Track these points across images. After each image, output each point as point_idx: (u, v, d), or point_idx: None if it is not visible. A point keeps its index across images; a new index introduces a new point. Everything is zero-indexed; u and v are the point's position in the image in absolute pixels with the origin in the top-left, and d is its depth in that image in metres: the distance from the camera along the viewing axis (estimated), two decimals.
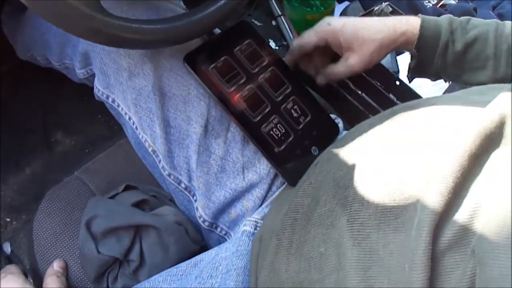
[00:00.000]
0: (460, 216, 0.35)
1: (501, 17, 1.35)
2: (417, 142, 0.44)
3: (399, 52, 1.41)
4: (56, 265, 0.65)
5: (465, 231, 0.35)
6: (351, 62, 0.65)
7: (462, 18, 0.64)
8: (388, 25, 0.63)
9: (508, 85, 0.46)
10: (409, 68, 0.68)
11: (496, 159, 0.37)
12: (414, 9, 1.21)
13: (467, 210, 0.35)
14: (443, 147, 0.40)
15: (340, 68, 0.67)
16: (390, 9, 0.94)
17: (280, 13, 1.48)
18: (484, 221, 0.34)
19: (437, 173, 0.37)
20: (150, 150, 0.65)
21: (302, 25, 1.33)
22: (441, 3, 1.55)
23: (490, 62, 0.62)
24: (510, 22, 0.63)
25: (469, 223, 0.35)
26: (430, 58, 0.64)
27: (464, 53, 0.63)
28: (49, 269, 0.64)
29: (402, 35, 0.63)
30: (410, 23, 0.63)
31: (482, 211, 0.34)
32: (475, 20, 0.64)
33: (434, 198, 0.36)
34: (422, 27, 0.62)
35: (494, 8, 1.53)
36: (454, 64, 0.64)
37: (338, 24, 0.64)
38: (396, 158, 0.44)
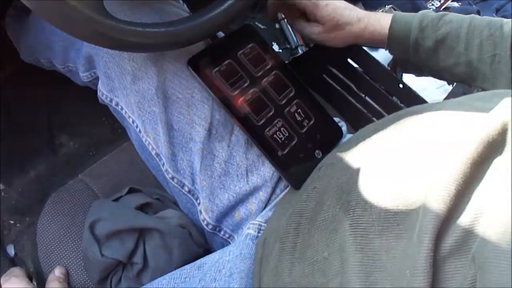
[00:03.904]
0: (462, 222, 0.35)
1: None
2: (421, 148, 0.44)
3: None
4: (58, 272, 0.65)
5: (466, 238, 0.35)
6: (315, 31, 0.72)
7: (436, 14, 0.67)
8: (362, 22, 0.69)
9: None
10: (393, 63, 0.72)
11: (498, 166, 0.37)
12: (417, 11, 1.21)
13: (468, 217, 0.35)
14: (446, 154, 0.40)
15: (304, 29, 0.74)
16: (393, 12, 0.94)
17: (283, 16, 1.48)
18: (485, 228, 0.34)
19: (440, 179, 0.37)
20: (153, 153, 0.65)
21: None
22: (444, 6, 1.55)
23: (462, 58, 0.64)
24: (486, 17, 0.65)
25: (470, 230, 0.35)
26: (405, 55, 0.68)
27: (435, 49, 0.65)
28: (51, 275, 0.64)
29: (369, 34, 0.69)
30: (380, 23, 0.68)
31: (483, 218, 0.34)
32: (450, 16, 0.66)
33: (436, 205, 0.36)
34: (391, 27, 0.67)
35: (497, 10, 1.53)
36: (429, 61, 0.67)
37: (323, 2, 0.69)
38: (400, 164, 0.44)
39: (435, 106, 0.49)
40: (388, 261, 0.38)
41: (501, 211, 0.33)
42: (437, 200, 0.36)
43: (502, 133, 0.37)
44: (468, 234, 0.35)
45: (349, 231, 0.42)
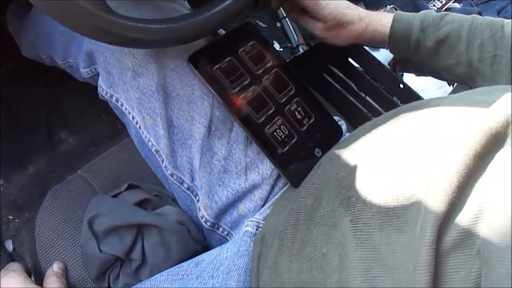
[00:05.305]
0: (465, 216, 0.35)
1: None
2: (421, 141, 0.44)
3: None
4: (56, 267, 0.65)
5: (470, 232, 0.34)
6: (317, 27, 0.71)
7: (437, 14, 0.67)
8: (363, 21, 0.68)
9: None
10: (393, 62, 0.71)
11: (500, 159, 0.37)
12: (418, 12, 1.21)
13: (471, 210, 0.35)
14: (447, 147, 0.40)
15: (306, 25, 0.74)
16: (395, 12, 0.94)
17: (285, 15, 1.48)
18: (489, 222, 0.33)
19: (442, 172, 0.37)
20: (153, 149, 0.65)
21: None
22: (446, 7, 1.55)
23: (462, 58, 0.64)
24: (487, 17, 0.65)
25: (474, 224, 0.34)
26: (406, 55, 0.68)
27: (436, 49, 0.65)
28: (49, 270, 0.64)
29: (370, 33, 0.68)
30: (381, 23, 0.68)
31: (487, 211, 0.34)
32: (451, 16, 0.66)
33: (438, 197, 0.36)
34: (392, 26, 0.67)
35: (498, 12, 1.53)
36: (429, 61, 0.67)
37: (324, 1, 0.69)
38: (400, 158, 0.44)
39: (435, 101, 0.48)
40: (388, 255, 0.38)
41: (504, 205, 0.33)
42: (439, 192, 0.36)
43: (506, 126, 0.37)
44: (472, 228, 0.34)
45: (350, 227, 0.42)
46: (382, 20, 0.68)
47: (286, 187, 0.63)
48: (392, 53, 0.70)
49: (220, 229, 0.65)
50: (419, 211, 0.37)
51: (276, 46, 1.43)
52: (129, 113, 0.66)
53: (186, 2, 0.82)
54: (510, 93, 0.40)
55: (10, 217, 1.07)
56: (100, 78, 0.69)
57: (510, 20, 0.63)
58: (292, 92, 0.68)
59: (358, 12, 0.68)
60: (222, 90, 0.63)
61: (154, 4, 0.66)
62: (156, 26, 0.54)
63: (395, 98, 0.79)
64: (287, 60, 0.74)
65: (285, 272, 0.48)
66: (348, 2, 0.69)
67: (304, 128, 0.67)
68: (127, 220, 0.62)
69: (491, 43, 0.62)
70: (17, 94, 1.20)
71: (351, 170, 0.47)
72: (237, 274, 0.54)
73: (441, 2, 1.58)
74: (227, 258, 0.56)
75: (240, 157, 0.64)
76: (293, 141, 0.65)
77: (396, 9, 1.24)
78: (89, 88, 0.77)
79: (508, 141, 0.37)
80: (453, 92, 1.27)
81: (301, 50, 1.43)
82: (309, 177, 0.57)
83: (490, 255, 0.32)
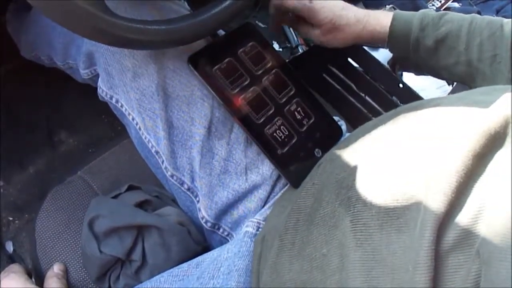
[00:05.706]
0: (464, 216, 0.35)
1: None
2: (421, 142, 0.44)
3: None
4: (56, 268, 0.65)
5: (470, 232, 0.34)
6: (315, 33, 0.71)
7: (437, 13, 0.66)
8: (360, 21, 0.68)
9: None
10: (392, 62, 0.72)
11: (499, 160, 0.37)
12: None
13: (471, 211, 0.35)
14: (447, 147, 0.40)
15: (303, 31, 0.74)
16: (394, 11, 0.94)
17: None
18: (488, 222, 0.33)
19: (441, 172, 0.37)
20: (153, 150, 0.65)
21: None
22: (445, 6, 1.55)
23: (462, 57, 0.64)
24: (486, 16, 0.64)
25: (473, 224, 0.34)
26: (405, 54, 0.68)
27: (435, 48, 0.65)
28: (50, 272, 0.64)
29: (368, 33, 0.68)
30: (380, 22, 0.67)
31: (486, 211, 0.34)
32: (451, 15, 0.65)
33: (437, 197, 0.36)
34: (392, 25, 0.66)
35: (497, 11, 1.53)
36: (429, 60, 0.67)
37: (318, 5, 0.68)
38: (399, 158, 0.44)
39: (435, 101, 0.48)
40: (388, 255, 0.38)
41: (504, 205, 0.33)
42: (438, 192, 0.36)
43: (505, 126, 0.37)
44: (471, 228, 0.34)
45: (350, 228, 0.42)
46: (381, 19, 0.67)
47: (286, 187, 0.63)
48: (391, 52, 0.70)
49: (221, 230, 0.65)
50: (419, 211, 0.37)
51: (276, 46, 1.43)
52: (129, 114, 0.66)
53: (186, 3, 0.82)
54: (509, 93, 0.40)
55: (10, 219, 1.07)
56: (100, 79, 0.69)
57: (509, 19, 0.62)
58: (292, 93, 0.69)
59: (355, 13, 0.68)
60: (222, 91, 0.63)
61: (154, 4, 0.66)
62: (155, 27, 0.54)
63: (394, 98, 0.78)
64: (287, 61, 0.74)
65: (286, 273, 0.48)
66: (344, 3, 0.69)
67: (304, 128, 0.67)
68: (127, 221, 0.62)
69: (490, 42, 0.62)
70: (17, 94, 1.20)
71: (351, 171, 0.47)
72: (238, 274, 0.54)
73: (440, 1, 1.58)
74: (228, 259, 0.56)
75: (240, 158, 0.64)
76: (293, 141, 0.65)
77: (395, 9, 1.24)
78: (89, 89, 0.77)
79: (508, 141, 0.37)
80: (452, 91, 1.27)
81: (300, 50, 1.43)
82: (309, 177, 0.57)
83: (490, 255, 0.32)
